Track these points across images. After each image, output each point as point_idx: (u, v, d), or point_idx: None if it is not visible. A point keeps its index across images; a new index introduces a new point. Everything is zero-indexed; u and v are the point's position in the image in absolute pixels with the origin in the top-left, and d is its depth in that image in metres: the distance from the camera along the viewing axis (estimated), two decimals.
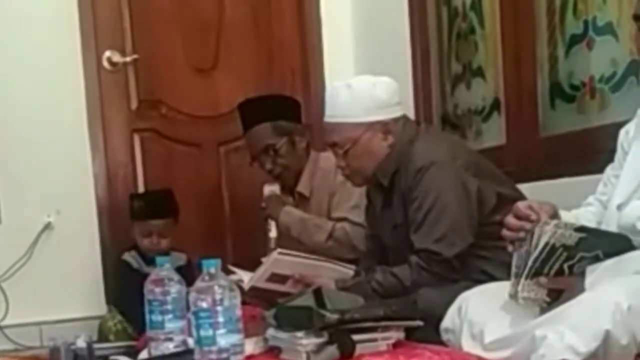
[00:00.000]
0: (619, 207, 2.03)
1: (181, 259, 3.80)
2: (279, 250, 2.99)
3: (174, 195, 3.96)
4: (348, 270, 2.99)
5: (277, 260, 2.92)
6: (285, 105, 3.55)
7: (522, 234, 1.96)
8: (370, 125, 2.76)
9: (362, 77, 2.88)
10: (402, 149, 2.75)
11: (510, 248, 1.99)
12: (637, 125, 2.14)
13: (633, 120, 2.18)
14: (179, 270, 2.52)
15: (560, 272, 1.89)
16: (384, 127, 2.76)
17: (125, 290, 3.71)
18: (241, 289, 2.83)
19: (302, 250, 3.13)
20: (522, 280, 1.91)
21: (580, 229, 1.90)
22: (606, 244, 1.89)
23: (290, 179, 3.49)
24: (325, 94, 2.88)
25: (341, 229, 3.29)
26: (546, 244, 1.88)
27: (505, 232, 2.00)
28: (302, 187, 3.46)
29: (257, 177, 4.24)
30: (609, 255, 1.88)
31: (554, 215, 1.99)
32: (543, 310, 1.90)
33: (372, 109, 2.75)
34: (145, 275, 2.43)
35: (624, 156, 2.15)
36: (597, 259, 1.88)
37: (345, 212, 3.29)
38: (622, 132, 2.20)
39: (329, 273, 2.93)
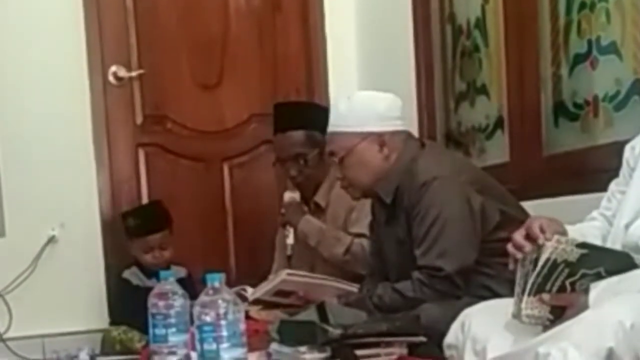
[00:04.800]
0: (627, 226, 2.03)
1: (181, 272, 3.80)
2: (287, 271, 2.99)
3: (164, 205, 3.98)
4: (353, 289, 2.99)
5: (284, 281, 2.92)
6: (321, 116, 3.45)
7: (519, 255, 1.96)
8: (367, 136, 2.78)
9: (366, 91, 2.92)
10: (404, 165, 2.76)
11: (511, 266, 1.99)
12: None
13: (639, 136, 2.19)
14: (178, 283, 2.52)
15: (562, 289, 1.89)
16: (380, 139, 2.78)
17: (129, 307, 3.73)
18: (242, 297, 2.85)
19: (318, 258, 3.14)
20: (525, 297, 1.90)
21: (582, 245, 1.90)
22: (608, 262, 1.90)
23: (309, 189, 3.47)
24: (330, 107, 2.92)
25: (359, 244, 3.28)
26: (547, 259, 1.88)
27: (509, 247, 2.00)
28: (319, 198, 3.45)
29: (261, 193, 4.27)
30: (611, 272, 1.88)
31: (562, 234, 1.99)
32: (546, 328, 1.91)
33: (367, 120, 2.78)
34: (148, 290, 2.44)
35: (629, 172, 2.15)
36: (599, 276, 1.88)
37: (364, 228, 3.26)
38: (627, 148, 2.20)
39: (334, 292, 2.93)
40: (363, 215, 3.27)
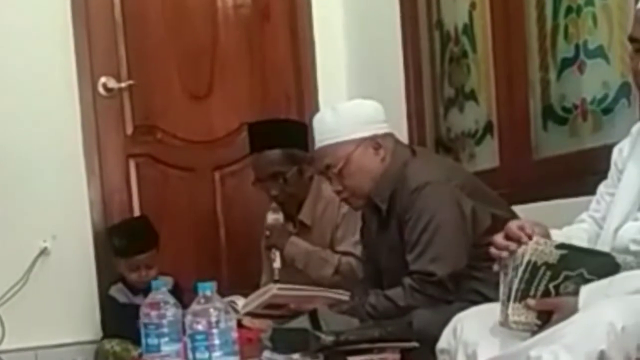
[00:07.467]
0: (616, 230, 2.04)
1: (168, 282, 3.79)
2: (278, 285, 2.97)
3: (150, 222, 3.98)
4: (345, 298, 2.98)
5: (275, 295, 2.91)
6: (297, 132, 3.45)
7: (504, 254, 1.96)
8: (360, 142, 2.78)
9: (347, 102, 2.94)
10: (396, 171, 2.76)
11: (495, 267, 1.99)
12: (632, 144, 2.15)
13: (627, 138, 2.19)
14: None
15: (547, 293, 1.88)
16: (374, 142, 2.78)
17: (118, 326, 3.74)
18: (235, 310, 2.84)
19: (305, 281, 3.12)
20: (510, 304, 1.89)
21: (561, 245, 1.89)
22: (590, 262, 1.88)
23: (292, 207, 3.44)
24: (313, 122, 2.89)
25: (347, 263, 3.26)
26: (528, 262, 1.86)
27: (492, 250, 2.00)
28: (304, 216, 3.42)
29: (252, 202, 4.26)
30: (593, 274, 1.87)
31: (546, 237, 1.99)
32: (534, 334, 1.90)
33: (359, 126, 2.78)
34: (135, 307, 2.43)
35: (617, 174, 2.16)
36: (581, 278, 1.88)
37: (350, 247, 3.26)
38: (615, 150, 2.21)
39: (326, 302, 2.92)
40: (349, 232, 3.26)
